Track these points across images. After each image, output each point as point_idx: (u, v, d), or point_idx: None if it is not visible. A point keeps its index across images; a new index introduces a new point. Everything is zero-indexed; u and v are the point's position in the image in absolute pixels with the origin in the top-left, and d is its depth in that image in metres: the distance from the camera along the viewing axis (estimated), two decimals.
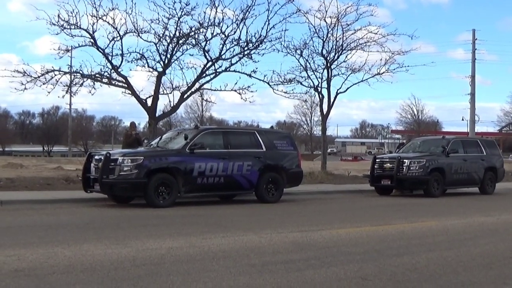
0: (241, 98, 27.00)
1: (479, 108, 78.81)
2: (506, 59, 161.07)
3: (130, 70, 27.36)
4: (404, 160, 23.73)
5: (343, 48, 32.38)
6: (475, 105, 64.17)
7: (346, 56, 32.83)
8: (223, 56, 26.41)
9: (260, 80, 27.68)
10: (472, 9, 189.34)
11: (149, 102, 25.22)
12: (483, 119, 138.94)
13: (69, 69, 25.29)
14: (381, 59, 32.96)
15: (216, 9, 25.38)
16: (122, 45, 24.73)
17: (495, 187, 26.79)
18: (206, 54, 26.12)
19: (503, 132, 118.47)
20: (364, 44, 32.38)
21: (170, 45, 25.25)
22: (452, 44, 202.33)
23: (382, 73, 32.85)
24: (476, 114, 65.79)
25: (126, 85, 25.18)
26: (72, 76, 24.99)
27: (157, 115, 26.26)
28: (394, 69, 32.88)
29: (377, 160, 24.82)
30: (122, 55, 24.69)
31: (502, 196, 25.70)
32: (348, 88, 33.33)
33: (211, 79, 26.81)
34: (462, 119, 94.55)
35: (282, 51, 30.11)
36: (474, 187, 26.25)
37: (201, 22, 25.28)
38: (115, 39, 24.42)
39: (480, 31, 77.04)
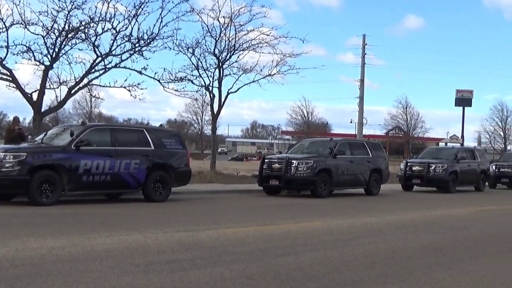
0: (131, 95, 26.73)
1: (367, 111, 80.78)
2: (393, 64, 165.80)
3: (16, 63, 26.54)
4: (292, 161, 23.96)
5: (236, 48, 32.53)
6: (363, 108, 65.81)
7: (238, 57, 33.07)
8: (113, 52, 26.11)
9: (150, 77, 27.55)
10: (362, 14, 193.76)
11: (35, 96, 24.59)
12: (370, 122, 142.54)
13: None
14: (272, 61, 33.36)
15: (108, 4, 25.10)
16: (8, 37, 24.05)
17: (380, 188, 27.52)
18: (96, 49, 25.77)
19: (390, 135, 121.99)
20: (256, 45, 32.66)
21: (59, 38, 24.76)
22: (342, 47, 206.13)
23: (273, 75, 33.28)
24: (364, 117, 67.46)
25: (10, 78, 24.50)
26: None
27: (43, 110, 25.61)
28: (285, 71, 33.41)
29: (265, 161, 24.98)
30: (7, 47, 24.05)
31: (386, 197, 26.33)
32: (239, 88, 33.66)
33: (100, 75, 26.49)
34: (351, 122, 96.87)
35: (174, 49, 30.01)
36: (360, 188, 26.78)
37: (92, 16, 24.94)
38: (1, 30, 23.70)
39: (370, 36, 78.84)
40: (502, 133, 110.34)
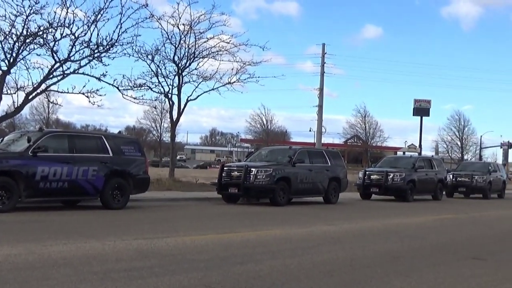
0: (89, 101, 26.53)
1: (326, 120, 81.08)
2: (352, 73, 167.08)
3: None
4: (252, 169, 23.96)
5: (195, 56, 32.53)
6: (322, 117, 66.04)
7: (198, 64, 33.08)
8: (72, 58, 25.90)
9: (109, 84, 27.29)
10: (321, 23, 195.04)
11: None
12: (329, 131, 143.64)
13: None
14: (232, 69, 33.38)
15: (67, 10, 24.87)
16: None
17: (338, 196, 27.66)
18: (54, 54, 25.51)
19: (348, 144, 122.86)
20: (216, 53, 32.69)
21: (17, 43, 24.43)
22: (301, 56, 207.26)
23: (233, 83, 33.29)
24: (323, 126, 67.71)
25: None
26: None
27: None
28: (245, 79, 33.39)
29: (225, 168, 24.94)
30: None
31: (345, 205, 26.41)
32: (198, 96, 33.73)
33: (59, 80, 26.23)
34: (310, 130, 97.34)
35: (133, 56, 29.82)
36: (318, 196, 26.91)
37: (50, 21, 24.67)
38: None
39: (330, 45, 79.47)
40: (459, 143, 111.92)
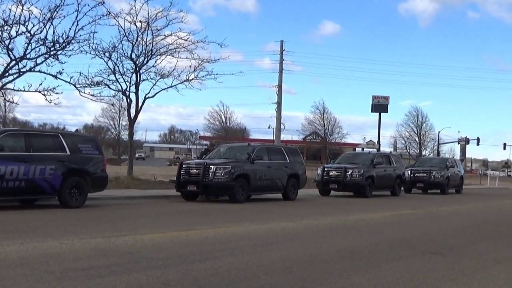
0: (46, 99, 26.30)
1: (285, 116, 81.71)
2: (310, 70, 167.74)
3: None
4: (210, 166, 23.94)
5: (153, 53, 32.39)
6: (281, 114, 66.28)
7: (156, 61, 32.89)
8: (28, 56, 25.66)
9: (66, 82, 27.14)
10: (279, 20, 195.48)
11: None
12: (288, 127, 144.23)
13: None
14: (190, 66, 33.28)
15: (22, 7, 24.63)
16: None
17: (297, 193, 27.80)
18: (10, 52, 25.26)
19: (307, 140, 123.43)
20: (174, 50, 32.60)
21: None
22: (260, 53, 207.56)
23: (191, 80, 33.20)
24: (282, 123, 67.96)
25: None
26: None
27: None
28: (203, 76, 33.31)
29: (183, 166, 24.86)
30: None
31: (304, 202, 26.54)
32: (156, 93, 33.55)
33: (14, 78, 26.01)
34: (269, 127, 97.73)
35: (90, 53, 29.56)
36: (278, 193, 27.03)
37: (5, 19, 24.43)
38: None
39: (288, 42, 79.61)
40: (417, 139, 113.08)
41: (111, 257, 9.46)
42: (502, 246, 13.37)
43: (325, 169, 32.69)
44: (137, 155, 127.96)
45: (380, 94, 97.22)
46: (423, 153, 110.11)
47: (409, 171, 40.09)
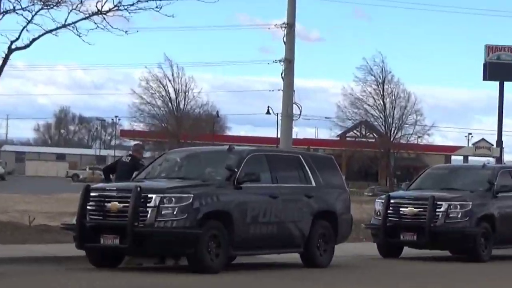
0: None
1: (301, 89, 66.21)
2: None
3: None
4: (151, 196, 13.68)
5: None
6: (294, 83, 54.09)
7: None
8: None
9: None
10: None
11: None
12: (308, 113, 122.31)
13: None
14: None
15: None
16: None
17: (333, 252, 18.40)
18: None
19: (348, 140, 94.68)
20: None
21: None
22: None
23: (107, 12, 21.09)
24: (296, 103, 54.92)
25: None
26: None
27: None
28: (131, 5, 20.74)
29: (92, 194, 14.60)
30: None
31: (347, 272, 15.86)
32: (34, 40, 21.83)
33: None
34: (268, 111, 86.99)
35: None
36: (291, 251, 17.81)
37: None
38: None
39: None
40: None
41: None
42: None
43: (392, 200, 18.99)
44: None
45: (498, 44, 65.51)
46: None
47: None
